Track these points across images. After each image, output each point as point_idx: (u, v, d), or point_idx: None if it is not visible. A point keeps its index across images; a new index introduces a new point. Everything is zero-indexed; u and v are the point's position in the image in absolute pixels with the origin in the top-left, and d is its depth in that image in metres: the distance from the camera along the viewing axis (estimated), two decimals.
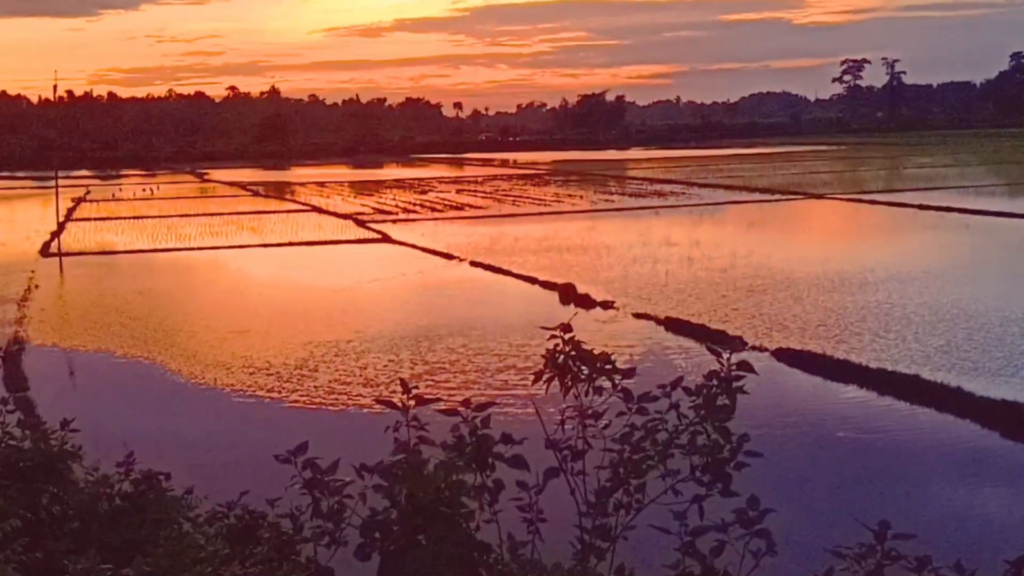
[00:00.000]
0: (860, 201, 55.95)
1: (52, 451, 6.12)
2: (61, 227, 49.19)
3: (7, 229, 54.79)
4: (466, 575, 3.64)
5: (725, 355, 4.25)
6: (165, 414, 18.92)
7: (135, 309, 28.96)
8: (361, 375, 20.65)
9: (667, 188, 69.32)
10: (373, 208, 59.58)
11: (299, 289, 32.26)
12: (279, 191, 78.43)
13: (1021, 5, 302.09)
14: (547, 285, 30.50)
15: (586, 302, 27.64)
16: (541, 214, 54.22)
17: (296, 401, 19.09)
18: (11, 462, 5.97)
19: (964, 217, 45.50)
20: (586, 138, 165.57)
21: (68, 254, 40.98)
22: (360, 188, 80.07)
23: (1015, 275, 31.05)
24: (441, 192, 72.21)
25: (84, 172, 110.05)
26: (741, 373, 4.23)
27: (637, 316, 25.75)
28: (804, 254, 36.58)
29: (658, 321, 24.93)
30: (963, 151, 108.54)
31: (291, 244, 42.90)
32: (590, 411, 4.23)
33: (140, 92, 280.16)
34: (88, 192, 78.48)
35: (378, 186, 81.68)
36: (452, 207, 59.71)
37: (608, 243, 40.82)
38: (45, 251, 42.38)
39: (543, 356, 4.40)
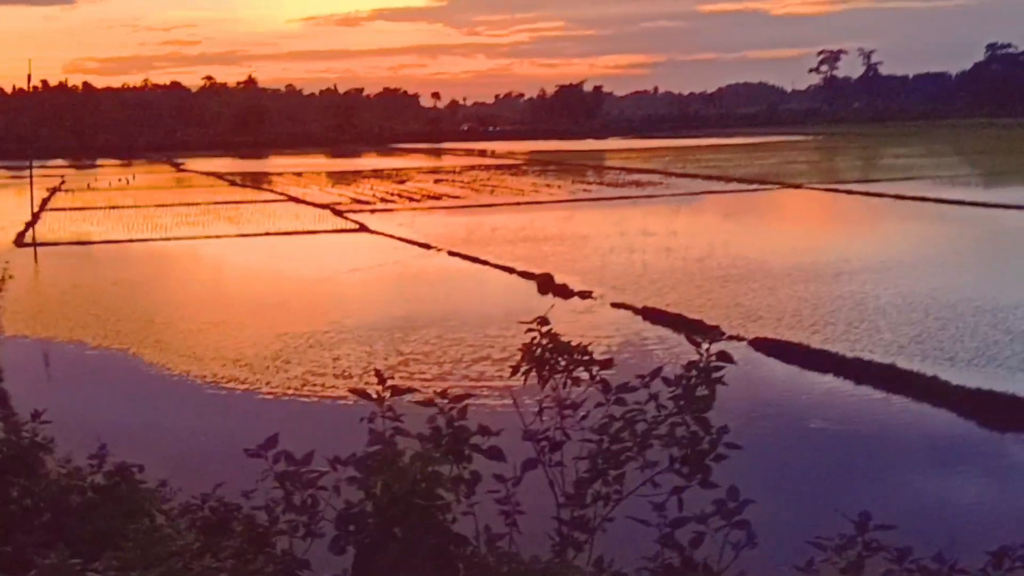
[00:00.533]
0: (836, 191, 56.16)
1: (23, 443, 6.04)
2: (36, 217, 48.83)
3: None
4: (443, 568, 3.59)
5: (704, 345, 4.21)
6: (139, 405, 18.80)
7: (110, 300, 28.75)
8: (334, 366, 20.56)
9: (644, 178, 69.38)
10: (351, 198, 59.39)
11: (276, 280, 32.09)
12: (256, 181, 78.01)
13: None
14: (525, 275, 30.45)
15: (564, 292, 27.63)
16: (519, 204, 54.16)
17: (270, 393, 18.98)
18: None
19: (939, 207, 45.75)
20: (564, 128, 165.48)
21: (43, 244, 40.64)
22: (338, 178, 79.81)
23: (989, 265, 31.22)
24: (419, 182, 72.04)
25: (59, 162, 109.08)
26: (720, 363, 4.20)
27: (615, 306, 25.76)
28: (780, 244, 36.69)
29: (635, 311, 24.95)
30: (939, 142, 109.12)
31: (268, 234, 42.69)
32: (568, 402, 4.19)
33: (116, 82, 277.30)
34: (63, 182, 77.81)
35: (356, 176, 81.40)
36: (430, 197, 59.58)
37: (586, 233, 40.82)
38: (19, 241, 42.00)
39: (520, 349, 4.35)
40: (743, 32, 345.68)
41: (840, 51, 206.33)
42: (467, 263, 33.84)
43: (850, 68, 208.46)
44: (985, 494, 13.97)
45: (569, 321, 22.39)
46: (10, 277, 32.52)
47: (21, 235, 43.37)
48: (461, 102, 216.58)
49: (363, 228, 44.09)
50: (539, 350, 4.24)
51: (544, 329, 4.33)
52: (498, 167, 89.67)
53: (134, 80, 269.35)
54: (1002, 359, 19.57)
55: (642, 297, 26.21)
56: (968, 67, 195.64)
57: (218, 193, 66.04)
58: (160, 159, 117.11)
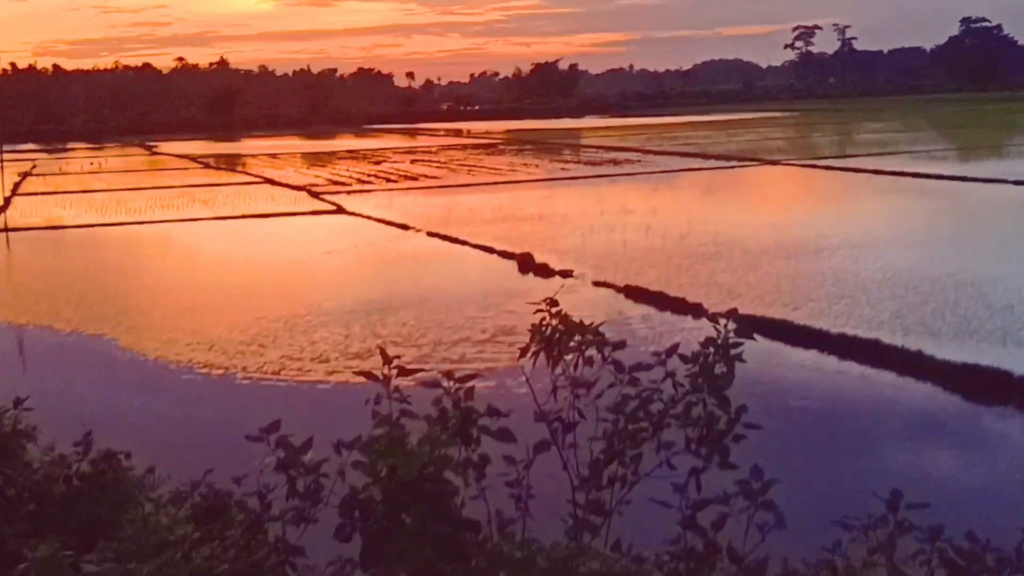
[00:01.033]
0: (814, 167, 56.19)
1: (4, 431, 5.85)
2: (7, 202, 48.30)
3: None
4: (454, 555, 3.45)
5: (722, 321, 4.08)
6: (117, 391, 18.55)
7: (85, 285, 28.39)
8: (311, 350, 20.35)
9: (622, 156, 69.25)
10: (327, 179, 58.98)
11: (252, 262, 31.82)
12: (230, 163, 77.45)
13: None
14: (505, 255, 30.29)
15: (544, 271, 27.50)
16: (497, 183, 53.91)
17: (247, 377, 18.76)
18: None
19: (917, 181, 45.84)
20: (540, 107, 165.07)
21: (14, 230, 40.14)
22: (313, 159, 79.33)
23: (968, 239, 31.26)
24: (395, 162, 71.65)
25: (30, 146, 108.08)
26: (739, 340, 4.07)
27: (596, 284, 25.65)
28: (760, 221, 36.62)
29: (617, 289, 24.85)
30: (914, 116, 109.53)
31: (244, 217, 42.27)
32: (582, 380, 4.05)
33: (86, 64, 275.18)
34: (35, 166, 77.05)
35: (331, 157, 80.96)
36: (407, 177, 59.22)
37: (565, 212, 40.67)
38: None
39: (529, 330, 4.21)
40: (718, 9, 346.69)
41: (815, 27, 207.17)
42: (446, 243, 33.62)
43: (825, 44, 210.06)
44: (975, 468, 13.93)
45: None
46: None
47: None
48: (436, 81, 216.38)
49: (340, 209, 43.76)
50: (549, 330, 4.09)
51: (554, 310, 4.19)
52: (475, 147, 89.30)
53: (104, 62, 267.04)
54: (984, 333, 19.56)
55: (623, 275, 26.09)
56: (943, 41, 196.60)
57: (192, 176, 65.46)
58: (133, 142, 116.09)
